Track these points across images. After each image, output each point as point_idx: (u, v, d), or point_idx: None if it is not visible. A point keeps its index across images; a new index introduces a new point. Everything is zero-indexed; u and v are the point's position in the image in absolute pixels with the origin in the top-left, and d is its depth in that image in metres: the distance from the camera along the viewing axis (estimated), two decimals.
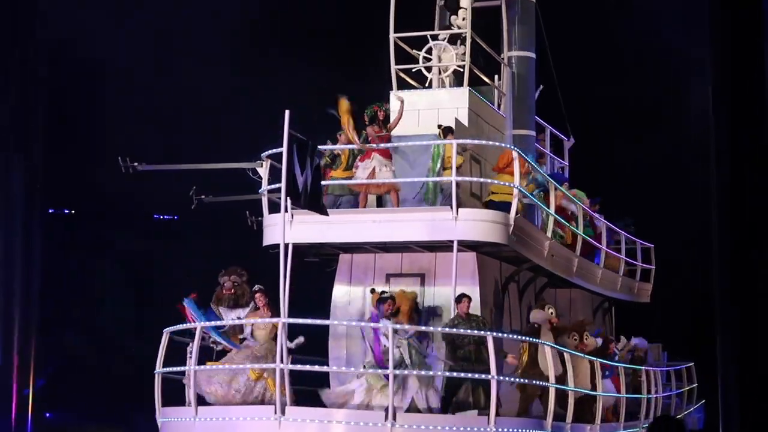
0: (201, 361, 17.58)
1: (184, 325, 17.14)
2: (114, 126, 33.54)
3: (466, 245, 19.07)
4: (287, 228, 18.83)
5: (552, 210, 20.91)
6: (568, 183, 26.02)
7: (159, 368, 17.53)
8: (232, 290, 18.38)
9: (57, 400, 33.78)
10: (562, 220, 22.06)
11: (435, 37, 22.07)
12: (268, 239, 19.47)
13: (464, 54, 21.99)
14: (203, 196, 21.63)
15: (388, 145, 19.40)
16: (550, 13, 26.57)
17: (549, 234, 21.08)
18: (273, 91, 31.49)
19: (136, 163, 20.53)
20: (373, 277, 20.26)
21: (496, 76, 24.01)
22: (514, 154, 19.12)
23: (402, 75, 22.04)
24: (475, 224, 18.59)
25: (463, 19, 22.06)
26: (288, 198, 16.17)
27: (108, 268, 36.19)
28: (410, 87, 22.14)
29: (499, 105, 23.71)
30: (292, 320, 16.35)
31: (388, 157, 19.34)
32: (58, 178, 33.89)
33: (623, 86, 37.50)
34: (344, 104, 19.32)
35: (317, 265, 21.33)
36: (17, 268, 31.79)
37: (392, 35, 21.75)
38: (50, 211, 35.90)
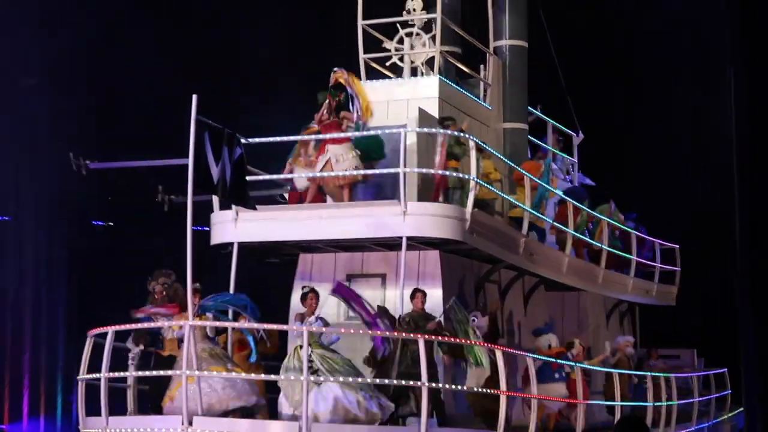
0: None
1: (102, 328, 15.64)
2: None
3: (419, 242, 17.48)
4: (233, 226, 17.80)
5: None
6: (589, 199, 24.59)
7: (82, 374, 16.06)
8: (164, 293, 16.90)
9: None
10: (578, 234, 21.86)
11: (407, 24, 20.40)
12: (215, 238, 18.13)
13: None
14: (173, 197, 20.20)
15: (340, 135, 17.87)
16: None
17: (567, 252, 20.88)
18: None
19: (87, 161, 19.19)
20: (334, 277, 18.72)
21: (482, 66, 22.31)
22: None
23: (373, 65, 20.43)
24: (426, 219, 16.97)
25: (422, 8, 20.31)
26: (197, 189, 14.57)
27: None
28: (382, 77, 20.52)
29: (485, 97, 22.00)
30: (198, 323, 14.98)
31: (346, 143, 17.76)
32: None
33: (635, 83, 35.79)
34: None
35: (280, 267, 19.84)
36: None
37: (360, 22, 20.20)
38: None
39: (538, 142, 25.85)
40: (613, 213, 24.92)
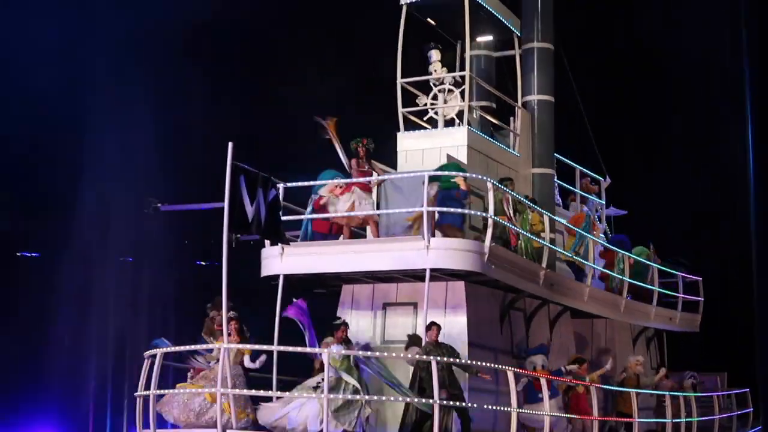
0: (177, 382, 15.82)
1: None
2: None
3: (444, 274, 16.76)
4: (279, 260, 17.28)
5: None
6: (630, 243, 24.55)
7: (140, 391, 15.49)
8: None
9: None
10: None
11: (441, 82, 19.77)
12: (264, 271, 17.57)
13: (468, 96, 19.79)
14: (159, 204, 19.27)
15: (378, 178, 17.36)
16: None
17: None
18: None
19: (159, 203, 18.69)
20: (372, 306, 18.09)
21: (511, 118, 21.59)
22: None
23: (412, 117, 19.81)
24: (447, 252, 16.22)
25: (438, 61, 19.68)
26: (233, 228, 13.98)
27: None
28: (419, 128, 19.87)
29: (514, 145, 21.26)
30: (233, 345, 14.36)
31: (368, 191, 17.20)
32: None
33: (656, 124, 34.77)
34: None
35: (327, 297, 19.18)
36: None
37: (399, 80, 19.59)
38: None
39: (573, 188, 25.09)
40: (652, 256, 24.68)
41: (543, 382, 15.96)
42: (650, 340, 26.59)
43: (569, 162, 24.53)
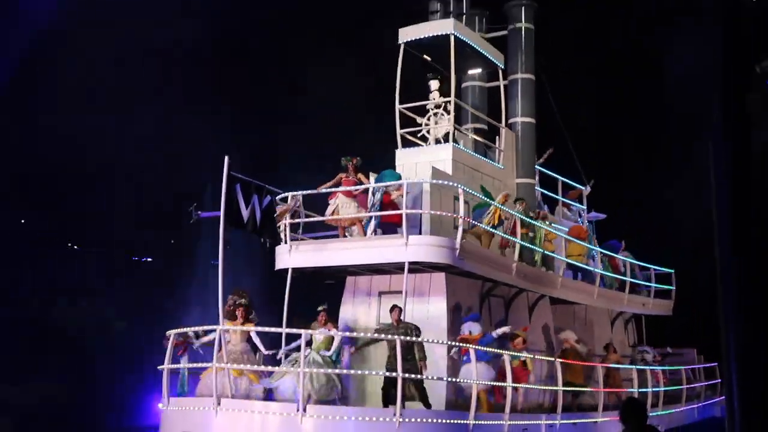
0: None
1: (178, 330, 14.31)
2: None
3: (427, 266, 15.82)
4: (288, 256, 16.43)
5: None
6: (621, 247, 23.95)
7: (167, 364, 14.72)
8: (231, 307, 15.32)
9: None
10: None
11: (436, 106, 18.85)
12: (277, 265, 16.72)
13: (455, 119, 18.88)
14: (200, 212, 18.37)
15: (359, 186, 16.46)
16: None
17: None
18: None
19: (199, 212, 18.02)
20: (369, 294, 17.20)
21: (497, 137, 20.59)
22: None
23: (409, 137, 18.90)
24: (423, 248, 15.27)
25: (437, 90, 18.78)
26: (229, 226, 13.27)
27: None
28: (414, 145, 18.94)
29: (499, 160, 20.23)
30: (227, 327, 13.61)
31: (351, 197, 16.29)
32: None
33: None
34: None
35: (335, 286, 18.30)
36: None
37: (398, 106, 18.69)
38: None
39: (568, 201, 23.97)
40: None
41: (471, 349, 14.66)
42: (627, 321, 25.25)
43: (553, 174, 23.33)
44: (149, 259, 37.82)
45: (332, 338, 13.91)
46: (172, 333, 13.95)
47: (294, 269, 16.49)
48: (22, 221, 33.96)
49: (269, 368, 13.81)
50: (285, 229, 16.16)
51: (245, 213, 13.40)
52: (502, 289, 17.99)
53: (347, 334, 14.30)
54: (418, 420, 12.96)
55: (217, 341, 13.32)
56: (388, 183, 16.08)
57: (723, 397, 27.13)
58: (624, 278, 22.86)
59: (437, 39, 18.91)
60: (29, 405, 26.84)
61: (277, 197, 15.25)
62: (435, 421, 13.25)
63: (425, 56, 19.76)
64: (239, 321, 14.39)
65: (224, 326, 13.34)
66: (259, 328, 14.04)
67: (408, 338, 14.29)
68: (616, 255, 23.40)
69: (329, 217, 16.35)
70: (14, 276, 32.31)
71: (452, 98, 18.40)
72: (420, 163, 18.08)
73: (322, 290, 18.25)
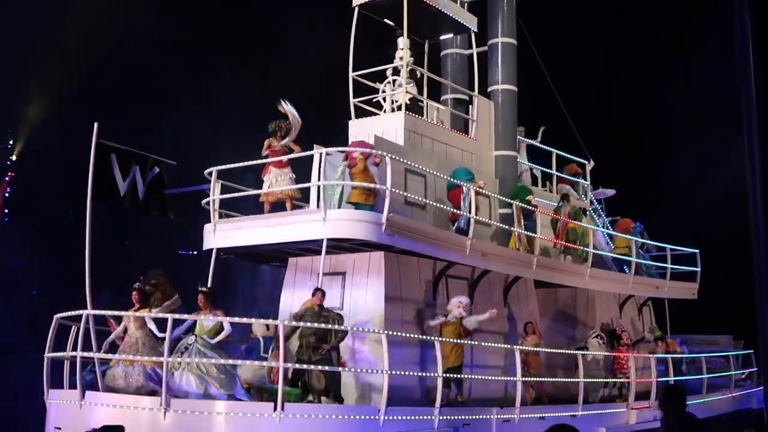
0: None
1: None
2: None
3: (357, 244, 14.02)
4: (212, 236, 14.88)
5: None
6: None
7: (48, 353, 13.16)
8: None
9: None
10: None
11: (394, 71, 16.95)
12: (205, 246, 15.13)
13: (412, 86, 16.97)
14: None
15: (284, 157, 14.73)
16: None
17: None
18: None
19: None
20: (309, 277, 15.46)
21: (470, 107, 18.54)
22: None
23: (362, 105, 17.07)
24: (344, 223, 13.46)
25: (401, 58, 16.75)
26: (98, 199, 11.75)
27: None
28: (370, 115, 17.09)
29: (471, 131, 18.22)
30: (96, 312, 12.04)
31: (283, 167, 14.60)
32: None
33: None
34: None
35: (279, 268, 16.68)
36: None
37: (351, 74, 16.89)
38: None
39: (567, 176, 21.74)
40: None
41: None
42: (642, 306, 22.74)
43: (546, 147, 21.08)
44: None
45: (221, 325, 12.25)
46: (56, 317, 12.50)
47: (225, 250, 14.97)
48: None
49: (158, 359, 12.12)
50: (212, 206, 14.64)
51: (123, 186, 11.86)
52: (463, 269, 16.04)
53: (236, 320, 12.39)
54: (300, 416, 11.18)
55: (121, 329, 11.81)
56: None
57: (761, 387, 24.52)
58: (627, 258, 20.53)
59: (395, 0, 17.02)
60: None
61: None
62: (318, 416, 11.42)
63: (386, 20, 17.92)
64: (135, 307, 12.91)
65: (92, 311, 11.82)
66: (142, 313, 12.44)
67: (327, 326, 12.61)
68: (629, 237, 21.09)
69: (263, 191, 14.68)
70: None
71: (405, 61, 16.49)
72: (371, 135, 16.22)
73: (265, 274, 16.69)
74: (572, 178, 21.79)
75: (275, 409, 11.05)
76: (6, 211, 38.21)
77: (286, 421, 11.02)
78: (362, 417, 11.73)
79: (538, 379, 15.93)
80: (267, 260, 16.39)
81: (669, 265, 22.20)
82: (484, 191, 16.16)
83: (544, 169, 20.89)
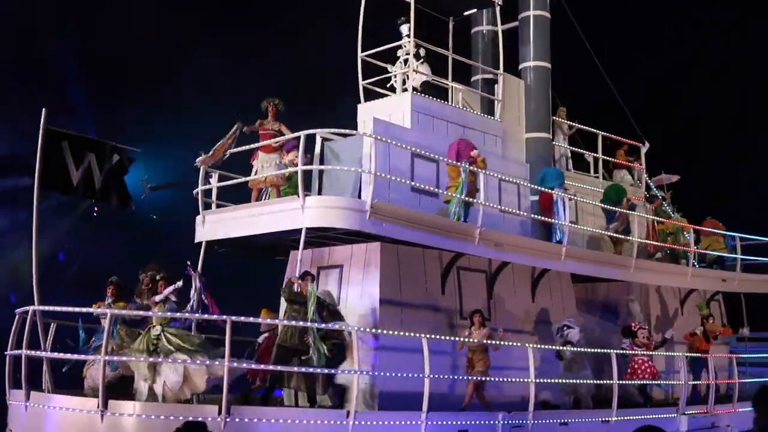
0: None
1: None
2: None
3: (341, 233, 12.91)
4: (201, 228, 14.11)
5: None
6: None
7: (10, 350, 12.19)
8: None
9: None
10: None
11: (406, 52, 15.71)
12: (196, 239, 14.33)
13: (425, 66, 15.75)
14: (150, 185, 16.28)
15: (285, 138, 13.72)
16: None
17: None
18: None
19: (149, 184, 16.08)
20: (298, 270, 14.26)
21: (496, 86, 17.08)
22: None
23: (372, 87, 15.87)
24: (324, 211, 12.36)
25: (407, 35, 15.50)
26: (45, 188, 11.09)
27: None
28: (380, 96, 15.88)
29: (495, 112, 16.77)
30: (43, 308, 11.31)
31: (271, 152, 13.61)
32: None
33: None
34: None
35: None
36: None
37: (359, 55, 15.76)
38: None
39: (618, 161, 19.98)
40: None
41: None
42: (710, 300, 20.64)
43: (596, 131, 19.33)
44: None
45: (166, 305, 11.42)
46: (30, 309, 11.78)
47: (219, 243, 14.14)
48: None
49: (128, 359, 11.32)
50: (200, 197, 13.87)
51: (75, 174, 11.15)
52: (478, 261, 14.69)
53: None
54: (247, 420, 10.16)
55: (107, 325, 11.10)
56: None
57: None
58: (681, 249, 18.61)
59: None
60: None
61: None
62: (270, 421, 10.36)
63: None
64: (109, 300, 12.22)
65: (38, 308, 11.12)
66: (107, 310, 11.56)
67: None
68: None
69: (250, 178, 13.79)
70: None
71: (412, 41, 15.24)
72: (381, 116, 15.06)
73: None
74: (625, 163, 20.00)
75: (219, 413, 10.06)
76: None
77: (234, 425, 10.04)
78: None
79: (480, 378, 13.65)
80: (268, 254, 15.44)
81: (739, 256, 20.11)
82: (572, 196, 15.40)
83: (594, 154, 19.19)
